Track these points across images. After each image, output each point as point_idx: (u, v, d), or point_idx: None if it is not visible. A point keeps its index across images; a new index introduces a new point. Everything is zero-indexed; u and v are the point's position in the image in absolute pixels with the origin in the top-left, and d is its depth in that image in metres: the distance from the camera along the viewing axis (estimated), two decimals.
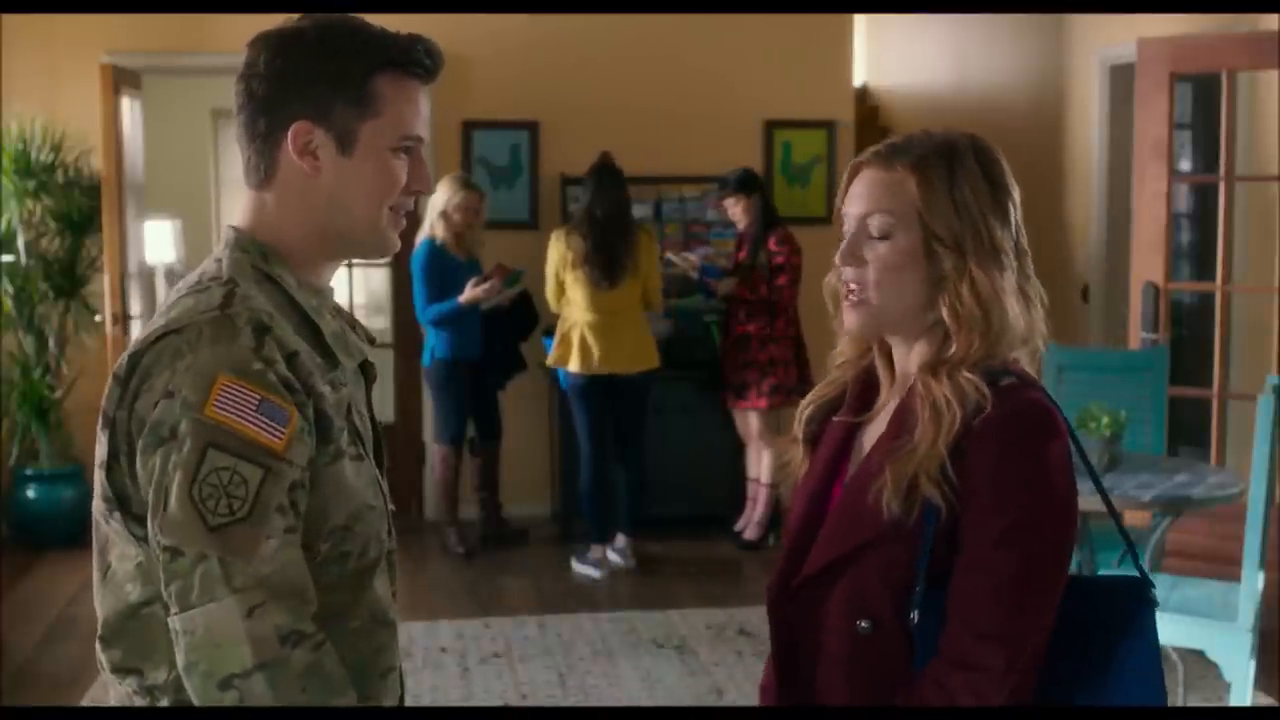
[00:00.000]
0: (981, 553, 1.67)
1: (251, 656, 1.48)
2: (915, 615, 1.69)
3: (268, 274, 1.65)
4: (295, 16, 1.68)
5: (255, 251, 1.65)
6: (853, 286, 1.78)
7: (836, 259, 1.80)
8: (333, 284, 1.76)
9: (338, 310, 1.74)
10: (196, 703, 1.51)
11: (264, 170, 1.67)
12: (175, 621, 1.51)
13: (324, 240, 1.69)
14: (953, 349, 1.74)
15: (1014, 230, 1.78)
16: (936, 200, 1.74)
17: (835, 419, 1.89)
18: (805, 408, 1.94)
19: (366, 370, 1.76)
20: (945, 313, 1.75)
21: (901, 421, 1.75)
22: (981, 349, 1.73)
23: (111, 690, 1.68)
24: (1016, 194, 1.80)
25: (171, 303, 1.64)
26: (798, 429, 1.94)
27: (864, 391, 1.88)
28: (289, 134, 1.63)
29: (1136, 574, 1.82)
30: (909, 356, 1.81)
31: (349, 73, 1.63)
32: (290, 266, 1.67)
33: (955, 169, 1.75)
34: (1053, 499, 1.69)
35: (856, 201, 1.79)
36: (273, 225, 1.67)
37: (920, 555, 1.69)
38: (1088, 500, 1.90)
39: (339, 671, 1.54)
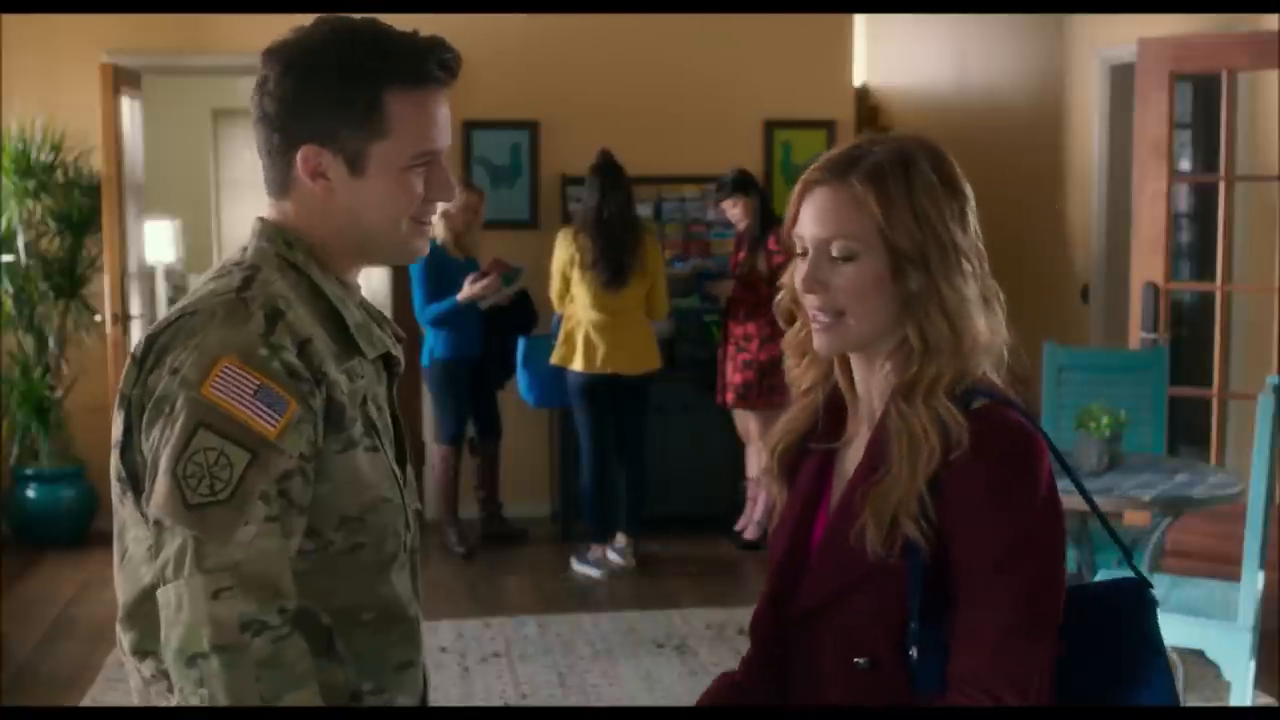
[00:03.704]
0: (980, 584, 1.62)
1: (210, 638, 1.49)
2: (915, 652, 1.64)
3: (293, 263, 1.66)
4: (311, 19, 1.66)
5: (281, 241, 1.67)
6: (821, 315, 1.70)
7: (798, 285, 1.71)
8: (359, 281, 1.76)
9: (364, 305, 1.75)
10: (173, 676, 1.53)
11: (281, 183, 1.68)
12: (158, 594, 1.53)
13: (346, 245, 1.70)
14: (925, 371, 1.66)
15: (973, 233, 1.70)
16: (898, 215, 1.65)
17: (811, 445, 1.81)
18: (777, 441, 1.84)
19: (391, 365, 1.76)
20: (913, 335, 1.67)
21: (876, 451, 1.68)
22: (954, 370, 1.66)
23: (131, 676, 1.69)
24: (971, 193, 1.71)
25: (196, 288, 1.66)
26: (771, 463, 1.84)
27: (834, 413, 1.80)
28: (298, 157, 1.64)
29: (1134, 575, 1.79)
30: (873, 377, 1.74)
31: (356, 95, 1.62)
32: (316, 258, 1.68)
33: (913, 179, 1.66)
34: (1040, 523, 1.64)
35: (813, 224, 1.69)
36: (296, 226, 1.68)
37: (910, 591, 1.63)
38: (1082, 501, 1.88)
39: (302, 665, 1.53)
